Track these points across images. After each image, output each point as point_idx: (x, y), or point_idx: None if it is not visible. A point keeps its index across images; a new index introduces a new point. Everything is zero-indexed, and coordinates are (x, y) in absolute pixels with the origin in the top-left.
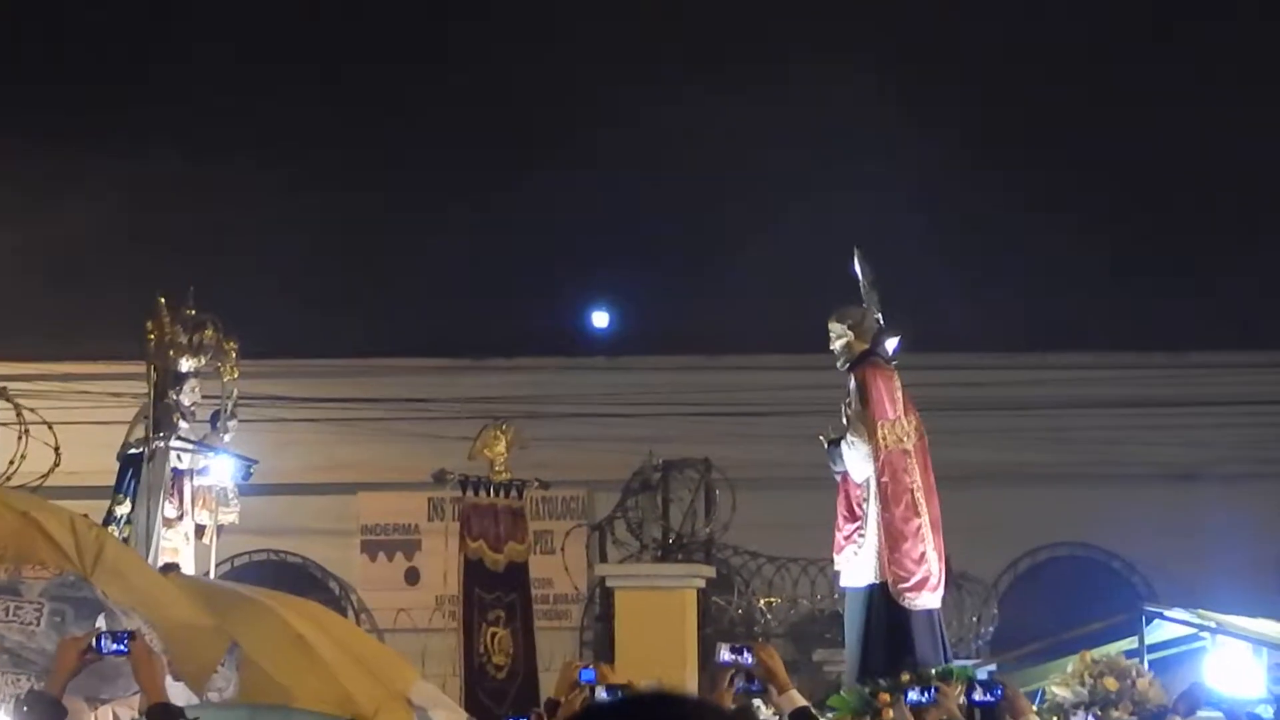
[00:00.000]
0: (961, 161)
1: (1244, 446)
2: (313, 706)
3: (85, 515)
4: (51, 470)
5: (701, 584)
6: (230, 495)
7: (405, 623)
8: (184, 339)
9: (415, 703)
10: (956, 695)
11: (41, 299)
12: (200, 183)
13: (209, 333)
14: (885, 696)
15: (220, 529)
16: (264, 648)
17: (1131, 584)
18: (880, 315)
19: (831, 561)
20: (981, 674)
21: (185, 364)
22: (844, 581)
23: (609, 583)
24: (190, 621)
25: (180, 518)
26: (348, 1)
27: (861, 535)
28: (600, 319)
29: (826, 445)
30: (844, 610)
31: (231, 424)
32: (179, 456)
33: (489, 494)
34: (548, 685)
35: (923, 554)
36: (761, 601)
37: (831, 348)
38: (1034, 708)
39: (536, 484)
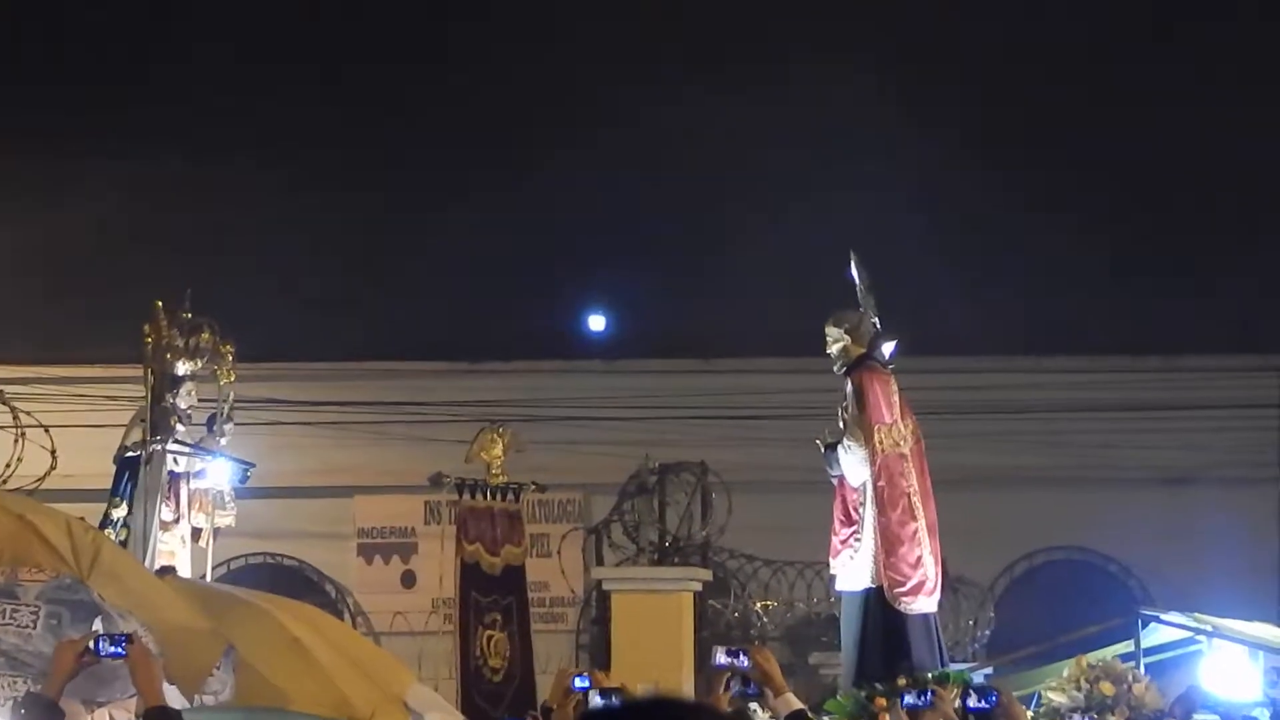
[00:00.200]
0: (961, 162)
1: (1240, 450)
2: (309, 710)
3: (81, 518)
4: (48, 473)
5: (698, 587)
6: (227, 498)
7: (401, 626)
8: (181, 342)
9: (411, 706)
10: (952, 699)
11: (38, 302)
12: (198, 186)
13: (206, 336)
14: (881, 701)
15: (217, 532)
16: (260, 651)
17: (1128, 588)
18: (877, 319)
19: (828, 565)
20: (978, 678)
21: (182, 367)
22: (840, 585)
23: (605, 586)
24: (186, 624)
25: (177, 521)
26: (348, 2)
27: (858, 539)
28: (597, 322)
29: (823, 449)
30: (840, 614)
31: (228, 427)
32: (175, 460)
33: (486, 497)
34: (544, 688)
35: (919, 558)
36: (758, 605)
37: (828, 351)
38: (1030, 712)
39: (533, 487)
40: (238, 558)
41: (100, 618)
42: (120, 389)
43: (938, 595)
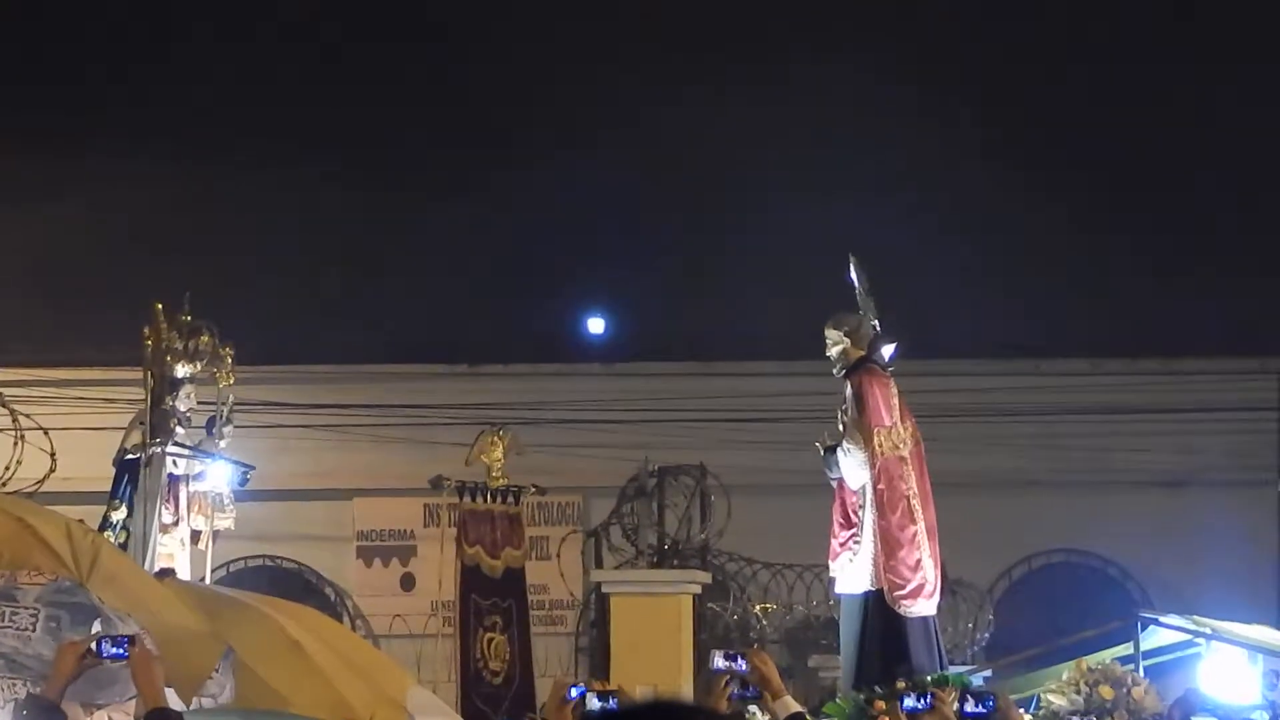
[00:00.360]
0: (960, 164)
1: (1238, 453)
2: (308, 712)
3: (81, 521)
4: (47, 476)
5: (697, 590)
6: (226, 501)
7: (400, 628)
8: (180, 345)
9: (410, 708)
10: (950, 702)
11: (37, 304)
12: (198, 187)
13: (205, 339)
14: (880, 704)
15: (216, 534)
16: (259, 653)
17: (1126, 590)
18: (877, 322)
19: (827, 568)
20: (977, 681)
21: (181, 370)
22: (839, 588)
23: (604, 588)
24: (185, 627)
25: (176, 523)
26: (348, 2)
27: (857, 542)
28: (596, 325)
29: (823, 452)
30: (839, 617)
31: (227, 430)
32: (175, 462)
33: (486, 500)
34: (543, 691)
35: (918, 561)
36: (757, 608)
37: (828, 354)
38: (1029, 715)
39: (533, 490)
40: (237, 560)
41: (99, 620)
42: (119, 391)
43: (937, 598)
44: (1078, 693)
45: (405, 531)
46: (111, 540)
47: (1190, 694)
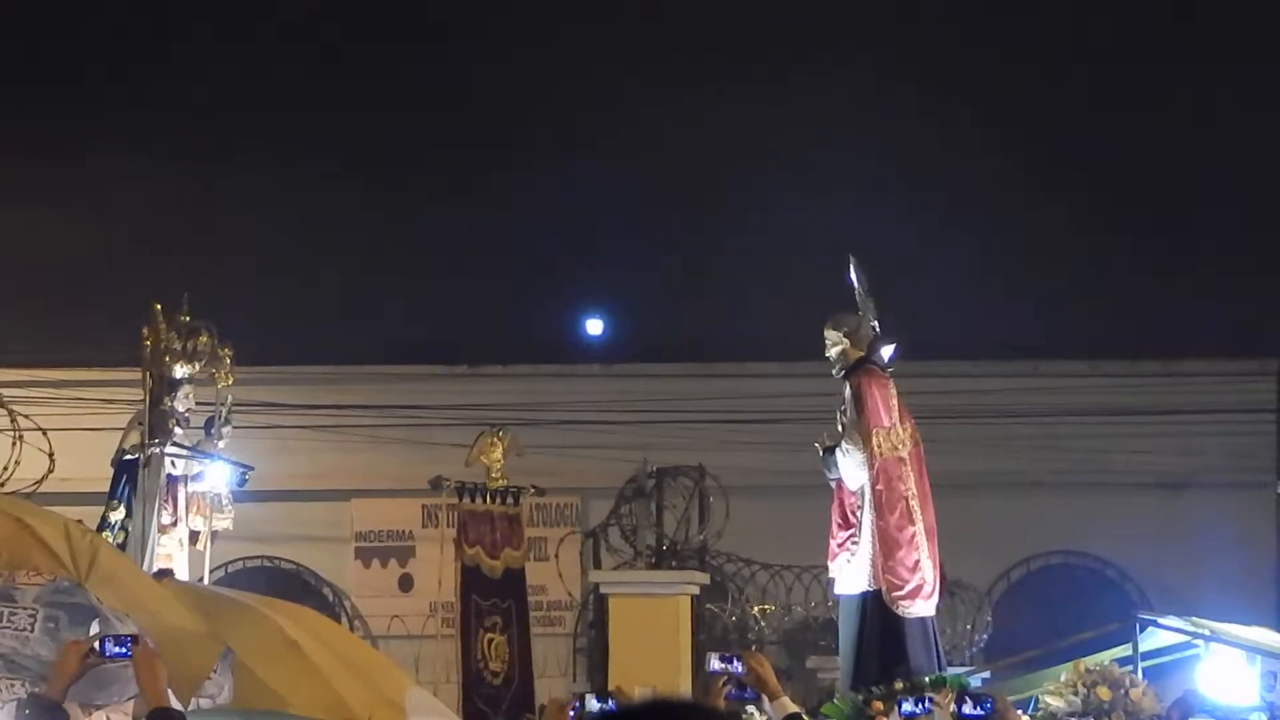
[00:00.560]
0: (960, 165)
1: (1237, 454)
2: (306, 713)
3: (79, 521)
4: (45, 476)
5: (695, 591)
6: (225, 501)
7: (399, 629)
8: (179, 345)
9: (408, 709)
10: (947, 703)
11: (36, 304)
12: (197, 187)
13: (204, 339)
14: (878, 705)
15: (215, 535)
16: (258, 654)
17: (1125, 592)
18: (876, 323)
19: (825, 569)
20: (975, 682)
21: (180, 370)
22: (838, 589)
23: (603, 589)
24: (184, 628)
25: (174, 524)
26: (347, 2)
27: (855, 543)
28: (595, 326)
29: (821, 453)
30: (838, 618)
31: (226, 430)
32: (173, 463)
33: (486, 500)
34: (542, 692)
35: (917, 562)
36: (755, 609)
37: (827, 355)
38: (1027, 717)
39: (532, 490)
40: (235, 561)
41: (98, 620)
42: (118, 392)
43: (936, 599)
44: (1075, 694)
45: (404, 532)
46: (110, 541)
47: (1189, 695)
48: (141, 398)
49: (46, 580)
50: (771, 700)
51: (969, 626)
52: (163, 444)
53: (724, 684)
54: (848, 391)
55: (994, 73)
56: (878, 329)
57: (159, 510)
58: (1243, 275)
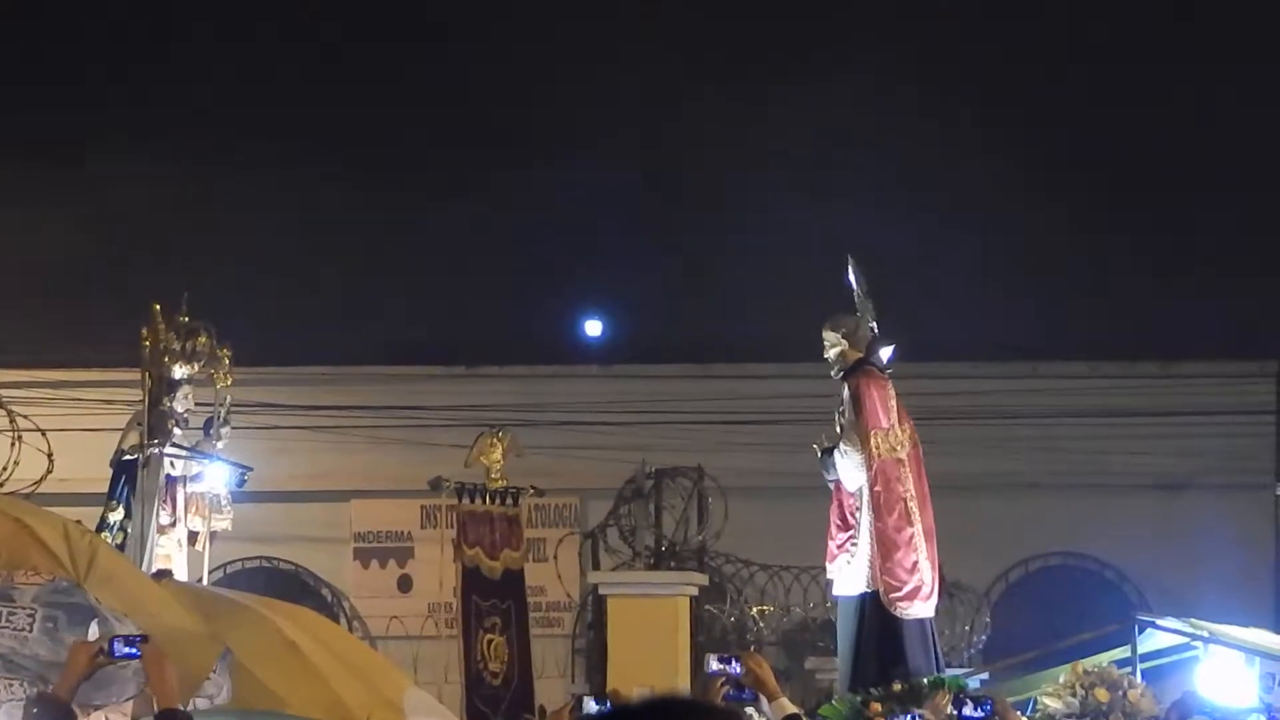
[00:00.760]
0: (960, 165)
1: (1236, 456)
2: (305, 713)
3: (78, 521)
4: (44, 477)
5: (694, 592)
6: (223, 502)
7: (398, 630)
8: (178, 346)
9: (406, 709)
10: (944, 705)
11: (35, 305)
12: (196, 188)
13: (203, 339)
14: (876, 706)
15: (213, 536)
16: (256, 654)
17: (1123, 593)
18: (875, 324)
19: (824, 570)
20: (973, 683)
21: (179, 371)
22: (836, 590)
23: (601, 590)
24: (182, 628)
25: (173, 524)
26: (347, 3)
27: (854, 544)
28: (593, 327)
29: (820, 454)
30: (836, 619)
31: (225, 431)
32: (172, 463)
33: (485, 501)
34: (541, 692)
35: (915, 563)
36: (754, 610)
37: (825, 356)
38: (1025, 718)
39: (532, 491)
40: (234, 561)
41: (96, 621)
42: (117, 393)
43: (934, 600)
44: (1074, 695)
45: (402, 533)
46: (109, 541)
47: (1187, 697)
48: (140, 398)
49: (45, 580)
50: (770, 701)
51: (967, 628)
52: (162, 444)
53: (722, 685)
54: (846, 393)
55: (994, 73)
56: (876, 330)
57: (158, 511)
58: (1243, 275)
